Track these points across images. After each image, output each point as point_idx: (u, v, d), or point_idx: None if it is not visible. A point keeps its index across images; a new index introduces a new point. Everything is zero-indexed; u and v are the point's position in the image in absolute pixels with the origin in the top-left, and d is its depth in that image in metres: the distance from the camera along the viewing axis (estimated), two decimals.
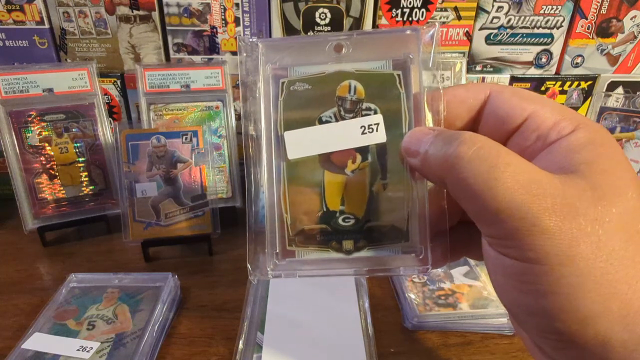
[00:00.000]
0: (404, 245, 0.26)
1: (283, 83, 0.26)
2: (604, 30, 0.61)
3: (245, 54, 0.27)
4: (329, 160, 0.26)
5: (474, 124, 0.26)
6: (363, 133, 0.25)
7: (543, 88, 0.64)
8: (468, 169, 0.20)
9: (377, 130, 0.25)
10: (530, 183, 0.20)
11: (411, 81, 0.26)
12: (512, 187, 0.19)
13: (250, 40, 0.26)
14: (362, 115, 0.26)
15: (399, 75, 0.26)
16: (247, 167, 0.27)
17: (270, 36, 0.59)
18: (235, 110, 0.62)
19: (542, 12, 0.59)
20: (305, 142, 0.26)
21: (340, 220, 0.26)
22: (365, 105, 0.26)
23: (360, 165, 0.26)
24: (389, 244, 0.26)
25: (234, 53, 0.60)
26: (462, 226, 0.27)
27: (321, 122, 0.26)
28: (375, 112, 0.26)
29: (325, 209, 0.26)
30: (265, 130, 0.26)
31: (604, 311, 0.19)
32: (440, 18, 0.59)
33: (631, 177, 0.20)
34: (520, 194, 0.19)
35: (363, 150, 0.26)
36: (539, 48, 0.62)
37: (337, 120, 0.26)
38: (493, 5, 0.59)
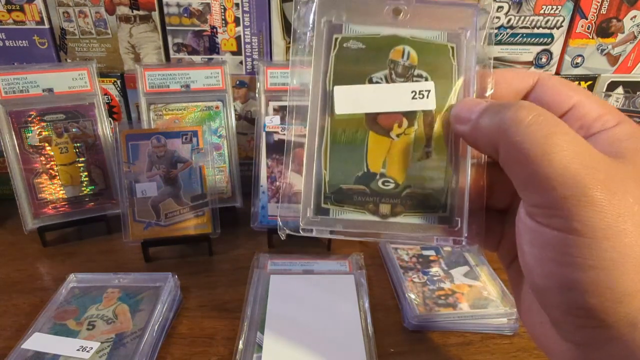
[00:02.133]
0: (441, 216, 0.26)
1: (337, 39, 0.26)
2: (604, 30, 0.61)
3: (301, 5, 0.26)
4: (375, 122, 0.26)
5: None
6: (413, 98, 0.26)
7: None
8: (526, 132, 0.20)
9: (427, 97, 0.26)
10: (585, 155, 0.20)
11: (464, 55, 0.26)
12: (568, 156, 0.20)
13: None
14: (413, 81, 0.26)
15: (452, 47, 0.26)
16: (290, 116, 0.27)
17: (270, 36, 0.59)
18: (235, 111, 0.62)
19: (542, 12, 0.59)
20: (353, 100, 0.26)
21: (379, 183, 0.26)
22: (417, 71, 0.26)
23: (405, 130, 0.26)
24: (426, 213, 0.26)
25: (234, 53, 0.60)
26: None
27: (371, 82, 0.26)
28: (427, 80, 0.26)
29: (365, 170, 0.26)
30: (313, 83, 0.26)
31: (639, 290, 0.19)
32: None
33: None
34: (575, 164, 0.19)
35: (410, 116, 0.26)
36: (539, 48, 0.62)
37: (387, 82, 0.26)
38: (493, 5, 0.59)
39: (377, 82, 0.26)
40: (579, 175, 0.19)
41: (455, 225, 0.26)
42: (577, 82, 0.63)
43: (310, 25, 0.26)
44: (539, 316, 0.24)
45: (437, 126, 0.26)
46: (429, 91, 0.26)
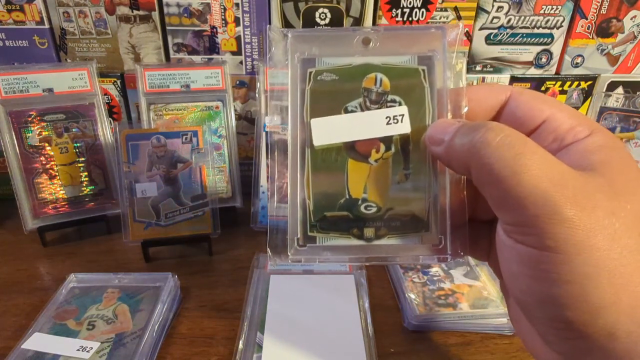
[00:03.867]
0: (424, 235, 0.26)
1: (311, 73, 0.27)
2: (604, 30, 0.61)
3: (275, 43, 0.27)
4: (354, 149, 0.27)
5: None
6: (388, 123, 0.26)
7: (543, 88, 0.64)
8: (495, 154, 0.21)
9: (401, 121, 0.26)
10: (553, 173, 0.20)
11: (435, 76, 0.27)
12: (536, 175, 0.20)
13: (281, 30, 0.27)
14: (387, 107, 0.26)
15: (423, 70, 0.27)
16: (272, 153, 0.28)
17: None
18: (235, 111, 0.62)
19: (542, 12, 0.59)
20: (331, 130, 0.26)
21: (362, 208, 0.27)
22: (390, 97, 0.27)
23: (383, 154, 0.27)
24: (410, 233, 0.27)
25: (234, 53, 0.60)
26: (470, 225, 0.27)
27: (347, 111, 0.27)
28: (400, 104, 0.26)
29: (347, 196, 0.27)
30: (291, 117, 0.27)
31: (615, 302, 0.19)
32: (440, 18, 0.59)
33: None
34: (543, 182, 0.20)
35: (387, 140, 0.26)
36: (539, 48, 0.62)
37: (362, 111, 0.26)
38: (493, 5, 0.59)
39: (352, 111, 0.27)
40: (548, 193, 0.20)
41: (439, 243, 0.26)
42: (577, 82, 0.63)
43: (285, 62, 0.27)
44: (528, 325, 0.24)
45: (414, 148, 0.26)
46: (402, 115, 0.26)
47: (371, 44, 0.27)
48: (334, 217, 0.27)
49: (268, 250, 0.27)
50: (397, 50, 0.27)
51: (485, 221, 0.28)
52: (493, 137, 0.21)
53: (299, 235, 0.27)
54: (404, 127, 0.26)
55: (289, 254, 0.27)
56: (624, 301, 0.19)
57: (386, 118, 0.26)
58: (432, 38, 0.27)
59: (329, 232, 0.27)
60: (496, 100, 0.26)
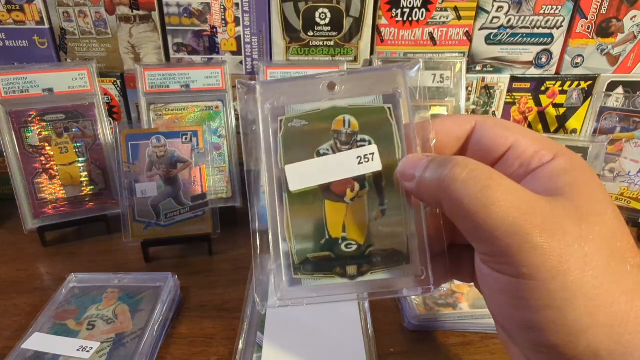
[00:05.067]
0: (406, 268, 0.27)
1: (281, 120, 0.28)
2: (604, 30, 0.61)
3: (244, 95, 0.28)
4: (329, 190, 0.27)
5: (461, 154, 0.27)
6: (360, 163, 0.27)
7: (543, 88, 0.64)
8: (462, 189, 0.21)
9: (372, 160, 0.27)
10: (520, 202, 0.21)
11: (401, 113, 0.27)
12: (504, 206, 0.20)
13: (249, 83, 0.28)
14: (358, 147, 0.27)
15: (389, 108, 0.27)
16: (250, 200, 0.29)
17: (270, 36, 0.59)
18: (235, 111, 0.62)
19: (542, 12, 0.59)
20: (305, 174, 0.27)
21: (343, 247, 0.27)
22: (360, 137, 0.27)
23: (358, 193, 0.27)
24: (391, 267, 0.27)
25: (234, 53, 0.60)
26: (452, 249, 0.28)
27: (319, 154, 0.27)
28: (370, 143, 0.27)
29: (328, 237, 0.27)
30: (266, 165, 0.27)
31: (594, 323, 0.20)
32: (440, 18, 0.59)
33: (608, 200, 0.22)
34: (512, 212, 0.20)
35: (361, 179, 0.27)
36: (539, 48, 0.62)
37: (334, 152, 0.27)
38: (493, 5, 0.59)
39: (324, 154, 0.27)
40: (518, 222, 0.20)
41: (421, 274, 0.27)
42: (577, 82, 0.63)
43: (256, 112, 0.28)
44: (515, 348, 0.25)
45: (387, 184, 0.27)
46: (373, 154, 0.27)
47: (337, 87, 0.28)
48: (316, 258, 0.27)
49: (255, 296, 0.27)
50: (362, 91, 0.28)
51: (466, 245, 0.28)
52: (460, 172, 0.22)
53: (284, 279, 0.27)
54: (376, 165, 0.27)
55: (276, 298, 0.27)
56: (601, 322, 0.20)
57: (357, 158, 0.27)
58: (394, 76, 0.28)
59: (313, 273, 0.27)
60: (462, 131, 0.27)
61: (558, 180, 0.23)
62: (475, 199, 0.21)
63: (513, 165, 0.25)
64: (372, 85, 0.28)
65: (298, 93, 0.28)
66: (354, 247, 0.27)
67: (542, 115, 0.66)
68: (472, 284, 0.29)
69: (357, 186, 0.27)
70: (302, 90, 0.28)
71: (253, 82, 0.28)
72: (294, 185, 0.27)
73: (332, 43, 0.60)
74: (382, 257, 0.27)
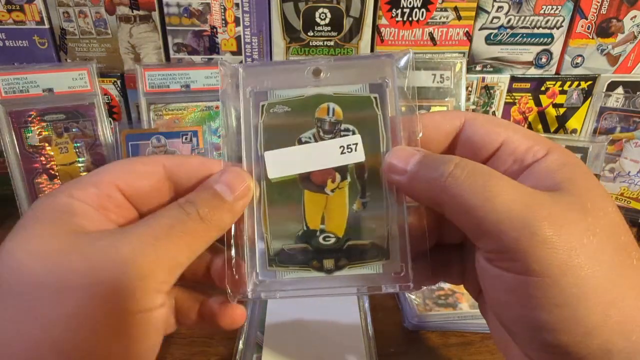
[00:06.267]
0: (385, 263, 0.26)
1: (263, 106, 0.27)
2: (604, 30, 0.61)
3: (226, 78, 0.27)
4: (309, 180, 0.26)
5: (449, 150, 0.26)
6: (342, 153, 0.26)
7: (543, 88, 0.64)
8: (464, 186, 0.21)
9: (355, 150, 0.26)
10: (524, 195, 0.20)
11: (387, 104, 0.26)
12: (509, 199, 0.20)
13: (231, 65, 0.27)
14: (341, 136, 0.26)
15: (375, 98, 0.27)
16: None
17: (270, 36, 0.59)
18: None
19: (542, 12, 0.59)
20: (285, 162, 0.26)
21: (320, 239, 0.26)
22: (343, 126, 0.26)
23: (339, 184, 0.26)
24: (370, 262, 0.26)
25: (234, 53, 0.60)
26: (440, 249, 0.27)
27: (300, 142, 0.26)
28: (354, 133, 0.26)
29: (305, 228, 0.26)
30: (245, 151, 0.26)
31: (606, 320, 0.19)
32: (440, 18, 0.59)
33: (607, 194, 0.22)
34: (517, 204, 0.20)
35: (342, 170, 0.26)
36: (539, 48, 0.62)
37: (316, 141, 0.26)
38: (493, 5, 0.59)
39: (306, 142, 0.26)
40: (523, 214, 0.20)
41: (400, 271, 0.26)
42: (577, 82, 0.64)
43: (237, 96, 0.27)
44: (515, 349, 0.24)
45: (370, 176, 0.26)
46: (356, 144, 0.26)
47: (322, 74, 0.27)
48: (292, 249, 0.26)
49: (227, 287, 0.25)
50: (348, 79, 0.27)
51: (454, 245, 0.28)
52: (460, 172, 0.21)
53: (257, 271, 0.26)
54: (359, 156, 0.26)
55: (248, 290, 0.26)
56: (613, 318, 0.19)
57: (340, 147, 0.26)
58: (382, 66, 0.27)
59: (288, 265, 0.26)
60: (451, 126, 0.26)
61: (555, 175, 0.22)
62: (478, 194, 0.20)
63: (506, 162, 0.24)
64: (359, 73, 0.27)
65: (282, 78, 0.27)
66: (332, 240, 0.26)
67: (542, 115, 0.66)
68: (462, 285, 0.29)
69: (338, 177, 0.26)
70: (287, 76, 0.27)
71: (235, 64, 0.27)
72: (273, 173, 0.26)
73: (332, 43, 0.60)
74: (361, 251, 0.26)
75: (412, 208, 0.26)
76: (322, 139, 0.26)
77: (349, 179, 0.26)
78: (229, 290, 0.25)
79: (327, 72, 0.27)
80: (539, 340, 0.21)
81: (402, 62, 0.27)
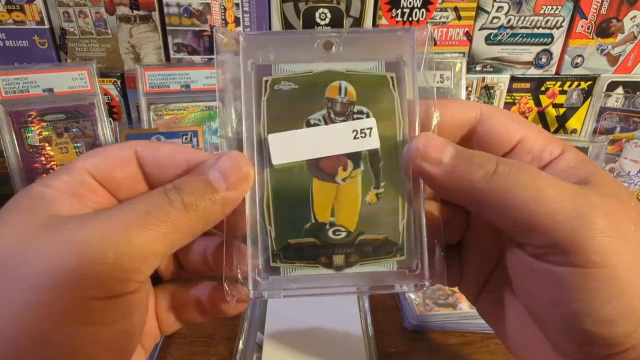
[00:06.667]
0: (399, 260, 0.24)
1: (267, 81, 0.24)
2: (604, 30, 0.61)
3: (223, 49, 0.24)
4: (318, 167, 0.24)
5: (462, 142, 0.25)
6: (355, 138, 0.24)
7: (543, 88, 0.64)
8: (512, 182, 0.20)
9: (370, 135, 0.24)
10: (567, 187, 0.20)
11: (405, 85, 0.24)
12: (558, 191, 0.20)
13: (230, 32, 0.24)
14: (354, 119, 0.24)
15: (392, 77, 0.24)
16: None
17: None
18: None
19: (542, 12, 0.59)
20: (291, 147, 0.24)
21: (330, 233, 0.24)
22: (356, 108, 0.24)
23: (351, 173, 0.24)
24: (383, 259, 0.24)
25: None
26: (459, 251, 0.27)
27: (309, 125, 0.24)
28: (368, 116, 0.24)
29: (313, 221, 0.24)
30: (247, 133, 0.24)
31: None
32: (440, 18, 0.59)
33: (627, 189, 0.22)
34: (568, 195, 0.20)
35: (355, 157, 0.24)
36: (539, 48, 0.62)
37: (326, 124, 0.24)
38: (493, 6, 0.59)
39: (315, 124, 0.24)
40: (577, 204, 0.19)
41: (415, 268, 0.24)
42: (577, 82, 0.64)
43: (237, 70, 0.24)
44: (537, 349, 0.23)
45: (385, 165, 0.24)
46: (370, 129, 0.24)
47: (334, 48, 0.24)
48: (299, 244, 0.24)
49: (225, 285, 0.23)
50: (362, 55, 0.24)
51: (452, 245, 0.27)
52: (504, 168, 0.21)
53: (260, 267, 0.23)
54: (373, 142, 0.24)
55: (249, 289, 0.23)
56: None
57: (353, 132, 0.24)
58: (400, 41, 0.24)
59: (294, 261, 0.24)
60: (467, 118, 0.25)
61: (578, 172, 0.22)
62: (528, 188, 0.20)
63: (525, 159, 0.24)
64: (374, 49, 0.25)
65: (288, 50, 0.24)
66: (343, 234, 0.24)
67: (542, 115, 0.66)
68: (458, 288, 0.28)
69: (350, 164, 0.24)
70: (294, 48, 0.25)
71: (236, 32, 0.24)
72: (278, 159, 0.23)
73: None
74: (374, 246, 0.24)
75: (427, 200, 0.24)
76: (332, 122, 0.24)
77: (362, 167, 0.24)
78: (227, 289, 0.23)
79: (339, 45, 0.24)
80: (589, 335, 0.20)
81: (421, 37, 0.24)
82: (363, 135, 0.24)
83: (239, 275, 0.23)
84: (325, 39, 0.24)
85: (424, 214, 0.24)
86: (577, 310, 0.20)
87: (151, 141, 0.25)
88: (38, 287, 0.19)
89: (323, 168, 0.24)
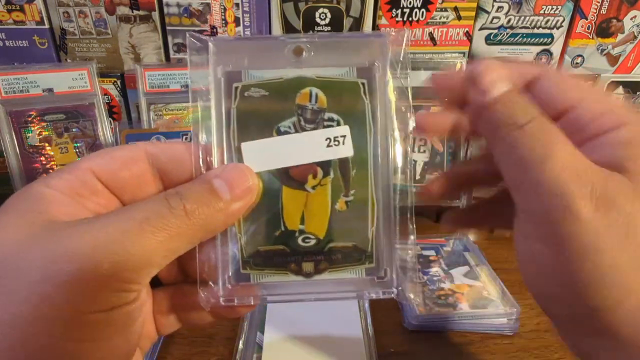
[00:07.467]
0: (368, 268, 0.24)
1: (236, 88, 0.24)
2: (604, 30, 0.61)
3: (194, 53, 0.24)
4: (288, 175, 0.24)
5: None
6: (328, 146, 0.24)
7: None
8: (526, 141, 0.20)
9: (343, 143, 0.24)
10: (578, 166, 0.20)
11: (377, 91, 0.24)
12: (562, 165, 0.20)
13: (201, 37, 0.24)
14: (324, 126, 0.24)
15: (363, 84, 0.24)
16: None
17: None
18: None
19: (542, 12, 0.59)
20: (265, 155, 0.23)
21: (299, 241, 0.24)
22: (327, 115, 0.24)
23: (321, 180, 0.24)
24: (352, 266, 0.24)
25: None
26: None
27: (279, 132, 0.24)
28: (339, 123, 0.24)
29: (283, 229, 0.24)
30: (217, 140, 0.23)
31: (620, 302, 0.19)
32: (440, 18, 0.59)
33: None
34: (564, 173, 0.19)
35: (324, 165, 0.24)
36: (539, 48, 0.62)
37: (296, 131, 0.24)
38: (493, 6, 0.59)
39: (285, 132, 0.24)
40: (567, 185, 0.19)
41: (384, 275, 0.24)
42: None
43: (207, 76, 0.24)
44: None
45: (355, 173, 0.24)
46: (344, 136, 0.23)
47: (304, 54, 0.24)
48: (268, 251, 0.24)
49: (199, 291, 0.23)
50: (333, 61, 0.24)
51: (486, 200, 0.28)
52: (532, 127, 0.21)
53: (230, 274, 0.24)
54: (347, 150, 0.23)
55: (219, 294, 0.23)
56: (631, 303, 0.19)
57: (326, 140, 0.23)
58: (372, 47, 0.24)
59: (263, 268, 0.24)
60: (528, 75, 0.24)
61: (619, 152, 0.21)
62: (534, 150, 0.20)
63: (573, 128, 0.22)
64: (346, 55, 0.24)
65: (259, 57, 0.24)
66: (313, 242, 0.24)
67: None
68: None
69: (320, 172, 0.24)
70: (264, 54, 0.24)
71: (206, 37, 0.24)
72: (252, 168, 0.23)
73: None
74: (343, 254, 0.24)
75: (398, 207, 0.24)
76: (303, 129, 0.24)
77: (331, 175, 0.24)
78: (201, 295, 0.23)
79: (309, 51, 0.24)
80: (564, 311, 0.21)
81: (396, 42, 0.24)
82: (337, 143, 0.24)
83: (210, 282, 0.23)
84: (295, 44, 0.24)
85: (395, 220, 0.24)
86: (554, 282, 0.21)
87: (162, 142, 0.25)
88: (31, 301, 0.18)
89: (293, 176, 0.24)
